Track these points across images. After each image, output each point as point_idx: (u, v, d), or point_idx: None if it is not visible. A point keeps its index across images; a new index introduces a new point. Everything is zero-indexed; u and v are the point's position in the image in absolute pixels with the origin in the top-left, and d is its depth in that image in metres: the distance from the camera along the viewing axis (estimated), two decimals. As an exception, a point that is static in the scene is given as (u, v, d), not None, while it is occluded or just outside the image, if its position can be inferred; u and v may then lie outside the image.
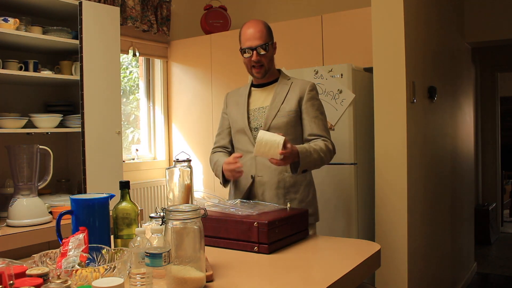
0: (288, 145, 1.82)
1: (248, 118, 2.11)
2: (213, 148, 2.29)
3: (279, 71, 2.19)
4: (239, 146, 2.17)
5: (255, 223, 1.55)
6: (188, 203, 1.50)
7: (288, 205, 1.82)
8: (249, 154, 2.08)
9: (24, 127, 2.55)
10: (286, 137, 1.84)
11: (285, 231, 1.64)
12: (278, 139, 1.80)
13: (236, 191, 2.17)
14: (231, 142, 2.24)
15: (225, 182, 2.15)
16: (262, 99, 2.14)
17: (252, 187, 2.09)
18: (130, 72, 4.16)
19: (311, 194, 2.14)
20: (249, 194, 2.10)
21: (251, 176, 2.09)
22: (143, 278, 1.09)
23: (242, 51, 2.07)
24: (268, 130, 2.03)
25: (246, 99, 2.15)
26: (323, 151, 1.98)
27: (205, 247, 1.27)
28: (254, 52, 2.03)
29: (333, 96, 2.70)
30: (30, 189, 2.27)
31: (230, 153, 2.22)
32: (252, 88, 2.19)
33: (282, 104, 2.06)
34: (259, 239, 1.55)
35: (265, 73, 2.09)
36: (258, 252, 1.55)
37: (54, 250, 1.25)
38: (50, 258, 1.23)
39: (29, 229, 2.17)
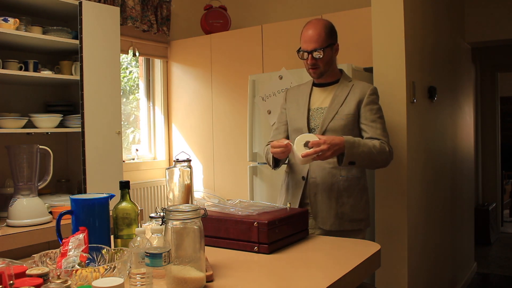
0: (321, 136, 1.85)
1: (308, 118, 2.08)
2: (269, 141, 2.23)
3: (341, 71, 2.16)
4: None
5: (255, 223, 1.55)
6: (188, 203, 1.50)
7: (288, 205, 1.82)
8: None
9: (24, 127, 2.55)
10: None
11: (285, 231, 1.64)
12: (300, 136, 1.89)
13: (288, 192, 2.14)
14: (288, 137, 2.19)
15: (275, 165, 2.12)
16: (321, 99, 2.10)
17: (305, 188, 2.07)
18: (130, 72, 4.16)
19: (364, 199, 2.10)
20: (302, 196, 2.07)
21: (302, 177, 2.07)
22: (143, 278, 1.09)
23: (299, 52, 2.04)
24: (324, 132, 2.02)
25: (308, 98, 2.11)
26: (376, 148, 1.93)
27: (205, 247, 1.27)
28: (310, 55, 2.00)
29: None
30: (30, 189, 2.27)
31: None
32: (314, 87, 2.15)
33: (340, 106, 2.03)
34: (259, 239, 1.55)
35: (321, 74, 2.06)
36: (258, 252, 1.55)
37: (54, 250, 1.25)
38: (50, 258, 1.23)
39: (29, 229, 2.17)
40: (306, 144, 1.85)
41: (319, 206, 2.04)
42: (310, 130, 2.06)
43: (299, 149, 1.86)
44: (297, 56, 2.06)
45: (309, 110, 2.09)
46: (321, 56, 2.00)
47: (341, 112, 2.02)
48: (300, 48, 2.05)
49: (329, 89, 2.10)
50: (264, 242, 1.54)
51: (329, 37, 2.02)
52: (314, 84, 2.15)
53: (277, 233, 1.59)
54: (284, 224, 1.63)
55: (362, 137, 2.04)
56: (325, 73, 2.06)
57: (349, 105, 2.02)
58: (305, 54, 2.02)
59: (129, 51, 3.80)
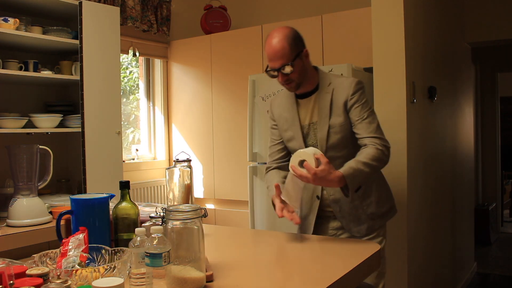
0: (321, 165, 1.66)
1: (303, 137, 1.93)
2: (268, 162, 2.08)
3: (317, 69, 1.95)
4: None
5: None
6: (188, 203, 1.51)
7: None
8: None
9: (24, 127, 2.55)
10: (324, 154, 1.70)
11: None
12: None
13: (302, 213, 1.99)
14: (287, 155, 2.04)
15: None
16: (309, 112, 1.93)
17: (323, 206, 1.95)
18: (130, 72, 4.16)
19: (384, 188, 2.02)
20: (322, 214, 1.95)
21: (317, 196, 1.95)
22: (143, 278, 1.09)
23: (267, 72, 1.86)
24: (326, 151, 1.87)
25: (296, 113, 1.95)
26: (374, 158, 1.77)
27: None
28: (279, 73, 1.82)
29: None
30: (30, 189, 2.27)
31: (286, 167, 2.05)
32: (298, 99, 1.97)
33: (330, 119, 1.87)
34: None
35: (298, 86, 1.88)
36: None
37: (54, 250, 1.26)
38: (50, 258, 1.23)
39: (29, 229, 2.17)
40: (301, 163, 1.70)
41: (348, 218, 1.94)
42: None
43: (293, 162, 1.72)
44: (268, 76, 1.88)
45: (302, 127, 1.94)
46: (292, 70, 1.81)
47: (333, 125, 1.88)
48: (267, 67, 1.85)
49: (313, 98, 1.93)
50: None
51: (295, 47, 1.82)
52: (297, 96, 1.97)
53: None
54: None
55: (356, 139, 1.91)
56: (302, 83, 1.88)
57: (337, 113, 1.88)
58: (275, 72, 1.83)
59: (129, 51, 3.80)
